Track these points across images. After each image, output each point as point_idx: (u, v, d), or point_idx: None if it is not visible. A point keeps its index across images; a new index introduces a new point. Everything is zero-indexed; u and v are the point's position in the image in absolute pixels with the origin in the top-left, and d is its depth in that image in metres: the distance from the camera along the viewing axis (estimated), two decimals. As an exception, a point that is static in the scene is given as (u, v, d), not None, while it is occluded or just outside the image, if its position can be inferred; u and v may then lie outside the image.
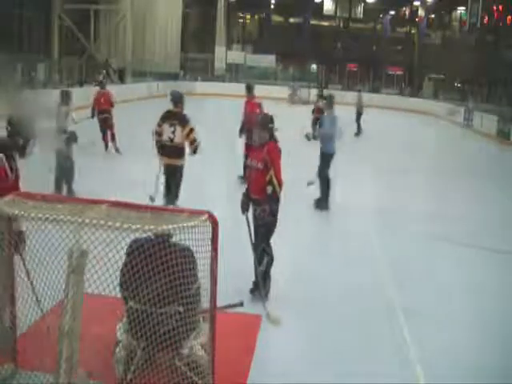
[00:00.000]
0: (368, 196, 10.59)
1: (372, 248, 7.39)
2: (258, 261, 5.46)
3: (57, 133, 8.06)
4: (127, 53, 30.47)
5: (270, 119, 5.71)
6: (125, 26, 30.26)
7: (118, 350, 3.81)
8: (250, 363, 4.28)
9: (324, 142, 9.47)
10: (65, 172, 8.33)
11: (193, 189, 8.06)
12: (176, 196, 7.46)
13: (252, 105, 10.76)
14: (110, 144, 12.78)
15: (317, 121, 16.27)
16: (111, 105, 12.83)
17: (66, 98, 9.11)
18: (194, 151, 7.47)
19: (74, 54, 28.77)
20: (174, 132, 7.44)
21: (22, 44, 26.54)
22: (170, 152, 7.47)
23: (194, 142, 7.41)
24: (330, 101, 10.32)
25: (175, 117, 7.55)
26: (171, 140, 7.45)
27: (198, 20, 42.30)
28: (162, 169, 7.64)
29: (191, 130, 7.43)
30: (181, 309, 3.66)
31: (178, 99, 7.66)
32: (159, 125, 7.58)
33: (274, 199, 5.46)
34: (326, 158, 9.33)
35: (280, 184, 5.43)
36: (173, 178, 7.51)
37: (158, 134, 7.57)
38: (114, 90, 23.11)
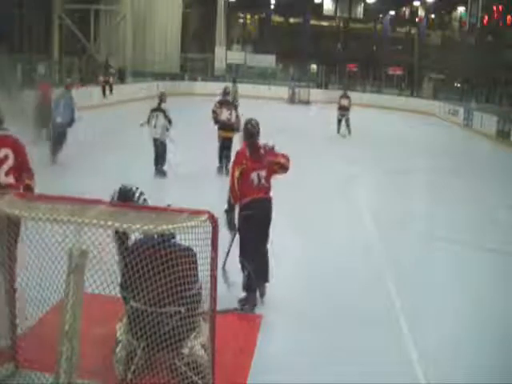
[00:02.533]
0: (366, 196, 10.59)
1: (372, 247, 7.40)
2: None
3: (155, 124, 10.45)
4: (127, 53, 30.44)
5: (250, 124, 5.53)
6: (125, 26, 30.24)
7: (118, 349, 3.81)
8: (250, 363, 4.28)
9: None
10: (159, 155, 10.46)
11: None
12: (228, 157, 10.35)
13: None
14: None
15: (341, 118, 18.31)
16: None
17: (163, 97, 10.76)
18: (238, 129, 10.17)
19: (74, 53, 28.73)
20: (230, 114, 10.92)
21: (22, 44, 26.52)
22: (228, 128, 10.80)
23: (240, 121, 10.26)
24: None
25: (229, 104, 11.26)
26: (229, 120, 10.86)
27: (198, 20, 42.25)
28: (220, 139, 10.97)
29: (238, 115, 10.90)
30: (182, 309, 3.66)
31: (229, 92, 11.75)
32: (217, 107, 11.07)
33: (238, 208, 5.27)
34: None
35: (231, 191, 5.26)
36: (228, 145, 10.69)
37: (216, 113, 11.02)
38: (114, 90, 23.18)
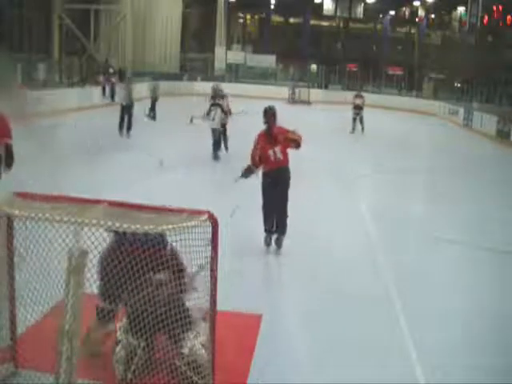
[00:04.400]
0: (366, 195, 10.59)
1: (372, 248, 7.39)
2: None
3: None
4: (127, 53, 30.46)
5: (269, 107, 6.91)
6: (125, 26, 30.26)
7: (118, 349, 3.81)
8: (249, 363, 4.27)
9: None
10: (224, 138, 12.93)
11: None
12: (226, 146, 13.13)
13: None
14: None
15: (356, 117, 19.66)
16: None
17: (218, 92, 12.90)
18: (230, 112, 13.25)
19: (74, 53, 28.75)
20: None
21: (22, 44, 26.53)
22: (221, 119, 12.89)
23: (230, 108, 13.28)
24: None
25: (220, 98, 13.03)
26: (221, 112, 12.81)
27: (198, 20, 42.26)
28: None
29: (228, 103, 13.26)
30: (180, 309, 3.65)
31: (221, 90, 13.26)
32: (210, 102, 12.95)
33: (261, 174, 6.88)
34: None
35: (251, 158, 6.83)
36: (222, 130, 13.01)
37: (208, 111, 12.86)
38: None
